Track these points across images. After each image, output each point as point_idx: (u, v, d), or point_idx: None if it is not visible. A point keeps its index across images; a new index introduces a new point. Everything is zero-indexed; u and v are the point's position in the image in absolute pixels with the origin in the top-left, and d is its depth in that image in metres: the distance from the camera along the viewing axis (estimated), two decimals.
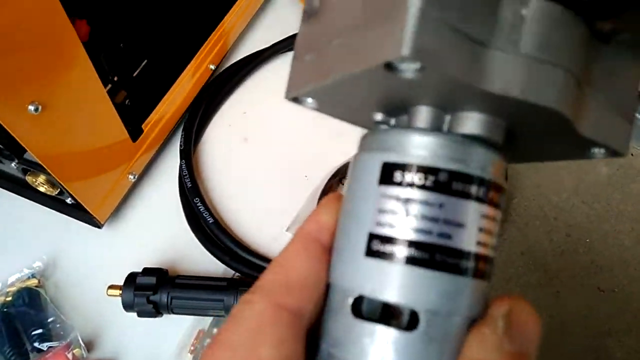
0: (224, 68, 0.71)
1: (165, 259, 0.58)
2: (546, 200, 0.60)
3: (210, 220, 0.58)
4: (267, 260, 0.57)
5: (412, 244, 0.17)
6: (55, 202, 0.56)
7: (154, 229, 0.60)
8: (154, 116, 0.61)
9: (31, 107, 0.42)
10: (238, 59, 0.72)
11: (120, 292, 0.51)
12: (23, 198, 0.58)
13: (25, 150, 0.46)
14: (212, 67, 0.69)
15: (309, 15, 0.20)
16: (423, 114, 0.18)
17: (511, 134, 0.19)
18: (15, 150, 0.47)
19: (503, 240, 0.57)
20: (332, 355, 0.18)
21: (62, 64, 0.44)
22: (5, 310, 0.50)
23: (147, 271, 0.52)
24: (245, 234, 0.60)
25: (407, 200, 0.17)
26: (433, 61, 0.14)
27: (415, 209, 0.17)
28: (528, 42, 0.16)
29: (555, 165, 0.61)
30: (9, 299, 0.51)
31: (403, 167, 0.18)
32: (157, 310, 0.51)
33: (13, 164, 0.51)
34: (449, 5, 0.14)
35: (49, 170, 0.47)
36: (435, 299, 0.17)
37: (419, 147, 0.18)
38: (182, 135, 0.64)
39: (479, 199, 0.18)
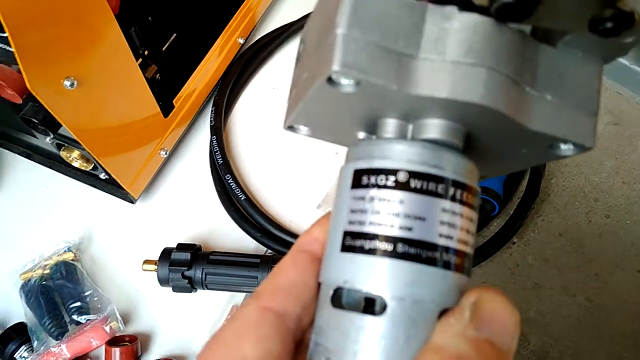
0: (252, 42, 0.70)
1: (197, 234, 0.58)
2: (586, 180, 0.59)
3: (242, 197, 0.58)
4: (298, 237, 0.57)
5: (376, 237, 0.19)
6: (89, 177, 0.57)
7: (186, 205, 0.60)
8: (184, 91, 0.61)
9: (67, 82, 0.42)
10: (266, 32, 0.71)
11: (156, 267, 0.52)
12: (58, 173, 0.58)
13: (60, 125, 0.47)
14: (241, 40, 0.68)
15: (297, 59, 0.24)
16: (387, 126, 0.21)
17: (473, 138, 0.21)
18: (50, 125, 0.48)
19: (541, 221, 0.56)
20: (317, 344, 0.21)
21: (95, 37, 0.44)
22: (44, 283, 0.51)
23: (181, 247, 0.53)
24: (277, 210, 0.60)
25: (371, 199, 0.20)
26: (360, 72, 0.17)
27: (378, 206, 0.20)
28: (453, 51, 0.18)
29: (596, 145, 0.59)
30: (47, 272, 0.53)
31: (368, 172, 0.20)
32: (191, 286, 0.52)
33: (48, 139, 0.51)
34: (372, 28, 0.18)
35: (83, 145, 0.48)
36: (399, 286, 0.19)
37: (381, 153, 0.21)
38: (212, 110, 0.64)
39: (437, 195, 0.20)
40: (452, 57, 0.18)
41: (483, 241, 0.55)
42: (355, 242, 0.20)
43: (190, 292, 0.53)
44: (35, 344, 0.50)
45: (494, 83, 0.18)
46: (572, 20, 0.18)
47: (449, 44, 0.18)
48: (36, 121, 0.47)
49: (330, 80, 0.18)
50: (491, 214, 0.54)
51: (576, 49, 0.20)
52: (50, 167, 0.59)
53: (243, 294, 0.55)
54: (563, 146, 0.20)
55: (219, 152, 0.61)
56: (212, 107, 0.65)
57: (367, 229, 0.20)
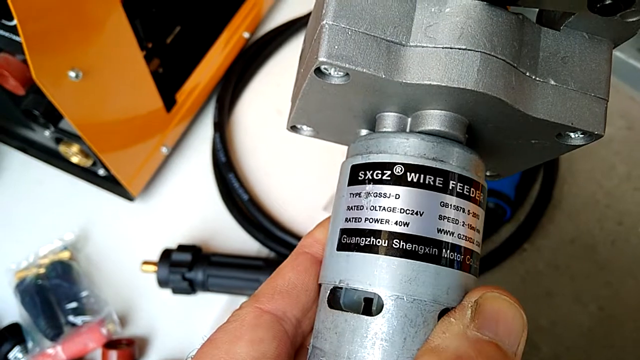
0: (258, 37, 0.70)
1: (198, 235, 0.58)
2: (598, 186, 0.60)
3: (245, 197, 0.59)
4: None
5: (371, 233, 0.19)
6: (87, 174, 0.57)
7: (186, 204, 0.61)
8: (187, 86, 0.61)
9: (72, 74, 0.42)
10: (273, 27, 0.71)
11: (155, 268, 0.52)
12: (54, 168, 0.58)
13: (61, 118, 0.47)
14: (247, 35, 0.68)
15: (300, 58, 0.24)
16: (386, 120, 0.21)
17: (478, 131, 0.21)
18: (51, 118, 0.47)
19: (553, 227, 0.57)
20: (314, 347, 0.21)
21: (102, 27, 0.45)
22: (39, 282, 0.51)
23: (182, 248, 0.53)
24: (281, 212, 0.61)
25: (367, 195, 0.20)
26: (347, 62, 0.18)
27: (374, 201, 0.20)
28: (445, 36, 0.18)
29: (608, 149, 0.60)
30: (42, 271, 0.53)
31: (365, 167, 0.21)
32: (192, 288, 0.52)
33: (47, 133, 0.51)
34: (359, 17, 0.18)
35: (85, 140, 0.48)
36: (394, 284, 0.19)
37: (377, 147, 0.21)
38: (216, 106, 0.64)
39: (436, 188, 0.19)
40: (444, 43, 0.18)
41: (493, 247, 0.56)
42: (351, 239, 0.20)
43: (190, 294, 0.53)
44: (29, 344, 0.50)
45: (489, 68, 0.18)
46: (570, 0, 0.17)
47: (440, 29, 0.18)
48: (37, 113, 0.47)
49: (319, 71, 0.19)
50: (503, 218, 0.55)
51: (580, 30, 0.19)
52: (47, 162, 0.59)
53: (244, 297, 0.55)
54: (572, 135, 0.20)
55: (221, 150, 0.61)
56: (216, 103, 0.65)
57: (363, 225, 0.20)
